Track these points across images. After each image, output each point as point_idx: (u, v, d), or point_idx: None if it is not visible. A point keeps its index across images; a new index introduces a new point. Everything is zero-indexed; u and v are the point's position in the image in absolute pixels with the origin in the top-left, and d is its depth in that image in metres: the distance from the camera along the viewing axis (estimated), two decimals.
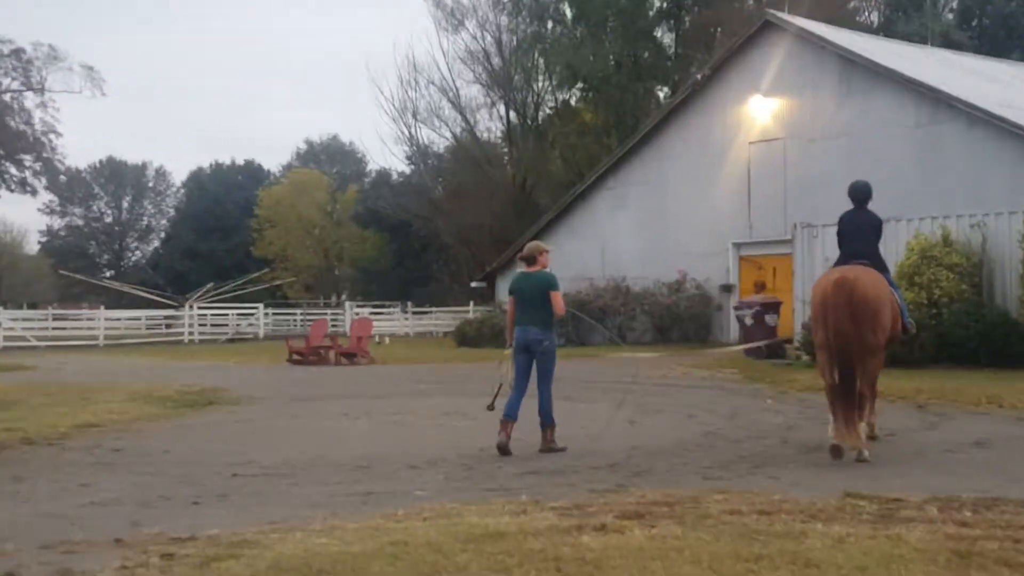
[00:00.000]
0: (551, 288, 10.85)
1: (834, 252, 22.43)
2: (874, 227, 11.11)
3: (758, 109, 28.86)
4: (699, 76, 30.82)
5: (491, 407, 10.92)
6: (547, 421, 10.85)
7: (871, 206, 11.18)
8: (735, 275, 30.02)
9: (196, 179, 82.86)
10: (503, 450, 10.49)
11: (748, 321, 23.90)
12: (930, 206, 22.34)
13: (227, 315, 48.60)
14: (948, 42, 42.52)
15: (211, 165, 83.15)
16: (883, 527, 6.69)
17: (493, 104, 53.07)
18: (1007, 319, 19.31)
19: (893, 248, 20.83)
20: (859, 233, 11.03)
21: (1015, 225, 19.85)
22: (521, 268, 11.33)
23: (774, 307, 23.96)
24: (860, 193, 11.22)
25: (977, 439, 11.10)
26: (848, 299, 10.03)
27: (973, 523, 6.78)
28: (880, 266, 10.87)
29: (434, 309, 52.86)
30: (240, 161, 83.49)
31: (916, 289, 19.54)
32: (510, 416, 10.69)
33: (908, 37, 40.20)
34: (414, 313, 52.81)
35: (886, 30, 47.00)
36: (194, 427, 13.69)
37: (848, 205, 11.26)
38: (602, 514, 7.11)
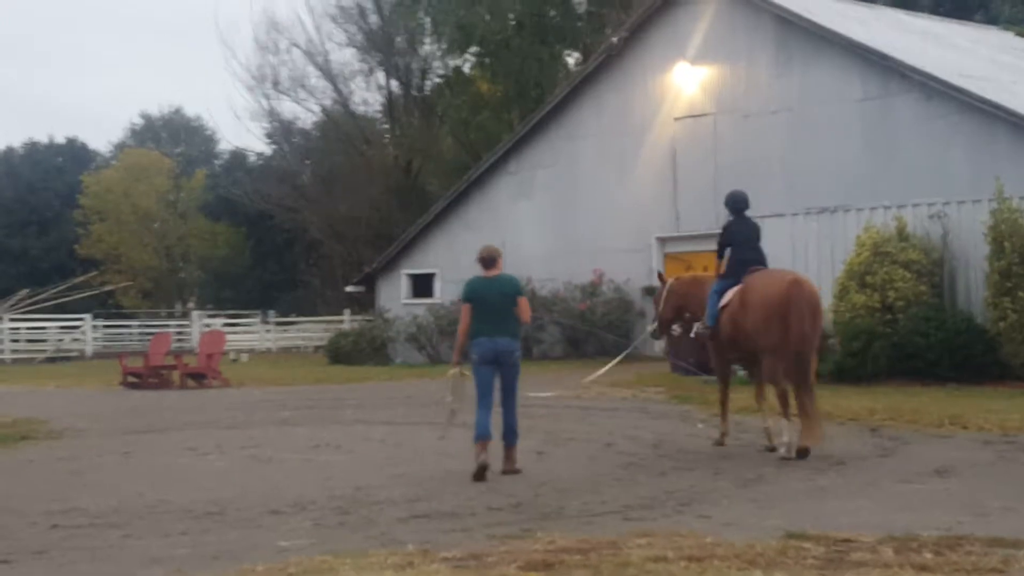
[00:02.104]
0: (520, 294, 11.93)
1: (772, 247, 22.84)
2: (758, 235, 13.67)
3: (684, 79, 29.23)
4: (615, 40, 31.04)
5: (442, 438, 11.92)
6: (513, 440, 11.68)
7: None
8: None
9: (5, 161, 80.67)
10: (482, 474, 11.16)
11: (675, 330, 24.13)
12: (882, 193, 22.90)
13: (46, 328, 47.49)
14: (901, 0, 43.69)
15: (24, 144, 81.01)
16: (831, 573, 6.83)
17: (371, 71, 52.89)
18: (972, 325, 19.89)
19: (841, 242, 21.36)
20: (751, 241, 13.48)
21: (979, 215, 20.45)
22: (478, 272, 12.04)
23: None
24: (742, 203, 13.67)
25: (938, 467, 11.42)
26: (808, 301, 12.39)
27: (934, 566, 6.96)
28: None
29: (302, 319, 52.47)
30: (60, 139, 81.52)
31: (868, 291, 20.05)
32: (485, 436, 11.38)
33: None
34: (277, 324, 52.34)
35: None
36: (4, 467, 13.40)
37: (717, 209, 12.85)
38: (503, 565, 7.13)
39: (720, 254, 13.66)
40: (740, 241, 13.39)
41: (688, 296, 14.40)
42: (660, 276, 15.51)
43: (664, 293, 14.83)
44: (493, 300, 11.68)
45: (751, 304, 12.58)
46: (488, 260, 11.93)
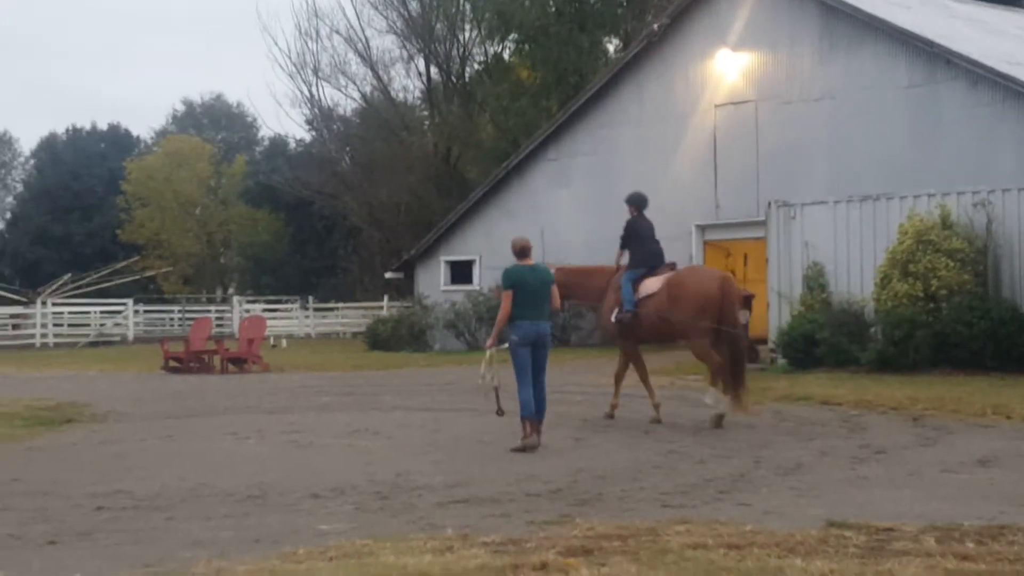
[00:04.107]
0: (553, 282, 12.97)
1: (814, 235, 22.78)
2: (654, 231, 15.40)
3: (726, 66, 29.11)
4: (656, 26, 30.95)
5: (501, 412, 12.74)
6: (542, 414, 12.52)
7: None
8: (699, 263, 30.26)
9: (49, 147, 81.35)
10: (535, 448, 12.17)
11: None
12: (926, 181, 22.72)
13: (89, 313, 47.91)
14: None
15: (67, 131, 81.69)
16: (873, 562, 6.81)
17: (410, 58, 52.99)
18: (1016, 314, 19.70)
19: (884, 230, 21.18)
20: (652, 236, 15.21)
21: None
22: (515, 262, 12.86)
23: (745, 302, 24.19)
24: (644, 202, 15.57)
25: (981, 457, 11.35)
26: (736, 292, 14.75)
27: (977, 556, 6.93)
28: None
29: (341, 305, 52.67)
30: (103, 126, 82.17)
31: (910, 280, 19.87)
32: (532, 414, 12.34)
33: None
34: (316, 310, 52.58)
35: None
36: (49, 450, 13.51)
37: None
38: (543, 550, 7.15)
39: (624, 246, 15.26)
40: (645, 236, 15.16)
41: (572, 285, 15.69)
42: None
43: None
44: (534, 287, 12.55)
45: (684, 296, 14.33)
46: (526, 250, 12.84)
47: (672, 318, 14.38)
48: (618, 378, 15.24)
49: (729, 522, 8.06)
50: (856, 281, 21.53)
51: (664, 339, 16.05)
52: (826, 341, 20.61)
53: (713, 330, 14.26)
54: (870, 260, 21.27)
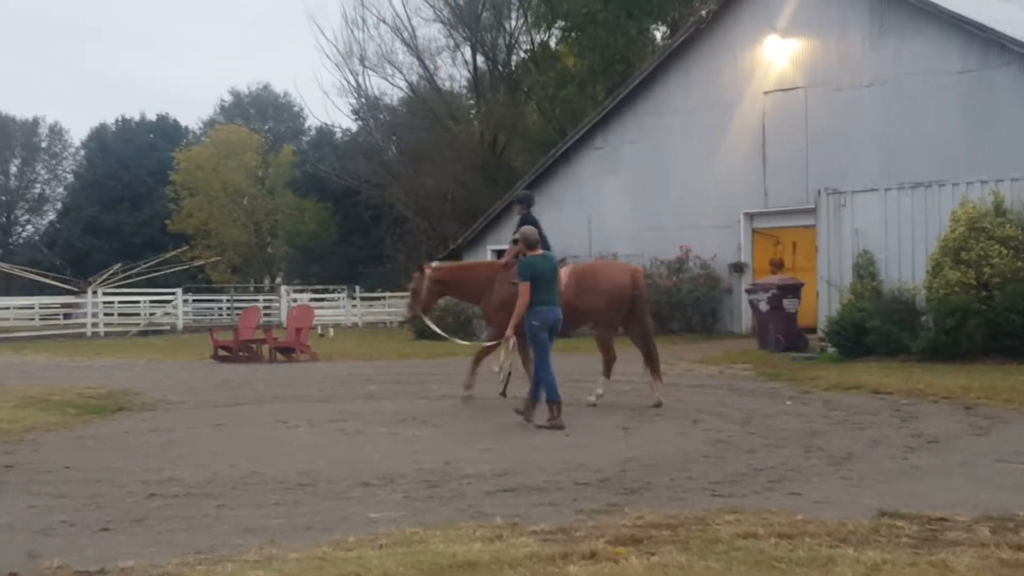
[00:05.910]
0: (558, 267, 13.99)
1: (864, 223, 22.60)
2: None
3: (774, 52, 28.94)
4: (704, 12, 30.83)
5: (504, 394, 14.13)
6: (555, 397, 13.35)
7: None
8: (748, 252, 30.15)
9: (99, 138, 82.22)
10: (562, 427, 12.94)
11: (763, 307, 24.06)
12: (979, 167, 22.50)
13: (138, 302, 48.41)
14: None
15: (117, 121, 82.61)
16: (925, 552, 6.76)
17: (457, 47, 53.06)
18: None
19: (935, 218, 20.99)
20: (543, 234, 15.54)
21: None
22: (528, 254, 13.72)
23: (794, 290, 24.11)
24: (533, 200, 16.90)
25: None
26: (643, 285, 15.67)
27: None
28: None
29: (387, 294, 52.90)
30: (152, 116, 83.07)
31: (963, 268, 19.67)
32: (559, 397, 13.23)
33: None
34: (363, 299, 52.83)
35: None
36: (101, 438, 13.63)
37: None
38: (592, 539, 7.15)
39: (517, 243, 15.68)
40: (541, 232, 15.29)
41: (454, 282, 16.69)
42: (420, 267, 17.11)
43: (426, 282, 16.43)
44: (548, 275, 13.50)
45: (596, 289, 15.18)
46: (538, 243, 13.81)
47: (577, 310, 15.09)
48: (479, 359, 15.82)
49: (780, 512, 8.03)
50: (907, 269, 21.35)
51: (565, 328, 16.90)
52: (876, 330, 20.46)
53: (625, 319, 15.37)
54: (921, 248, 21.08)
